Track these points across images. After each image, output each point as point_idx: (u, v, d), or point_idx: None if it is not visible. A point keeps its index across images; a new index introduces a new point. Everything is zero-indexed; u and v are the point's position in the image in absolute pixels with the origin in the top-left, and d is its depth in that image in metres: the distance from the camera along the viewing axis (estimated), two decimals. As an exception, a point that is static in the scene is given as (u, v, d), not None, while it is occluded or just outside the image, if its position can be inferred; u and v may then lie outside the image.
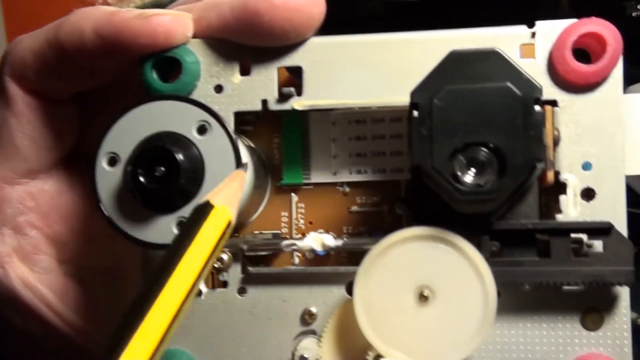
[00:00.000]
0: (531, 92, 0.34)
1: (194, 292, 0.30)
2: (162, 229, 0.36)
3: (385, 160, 0.45)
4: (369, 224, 0.45)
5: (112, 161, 0.37)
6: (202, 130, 0.37)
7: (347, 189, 0.45)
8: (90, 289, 0.48)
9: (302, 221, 0.46)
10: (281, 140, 0.46)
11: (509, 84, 0.35)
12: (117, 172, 0.37)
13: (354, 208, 0.45)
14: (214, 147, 0.37)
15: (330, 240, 0.40)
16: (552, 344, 0.39)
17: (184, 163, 0.35)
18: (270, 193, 0.46)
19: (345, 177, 0.45)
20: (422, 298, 0.37)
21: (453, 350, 0.36)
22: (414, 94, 0.36)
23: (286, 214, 0.46)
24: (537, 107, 0.34)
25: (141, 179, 0.35)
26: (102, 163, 0.37)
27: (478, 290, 0.36)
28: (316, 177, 0.45)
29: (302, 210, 0.46)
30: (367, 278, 0.37)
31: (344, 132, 0.45)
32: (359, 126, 0.45)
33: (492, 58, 0.35)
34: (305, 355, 0.38)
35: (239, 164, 0.36)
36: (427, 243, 0.37)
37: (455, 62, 0.35)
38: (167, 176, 0.35)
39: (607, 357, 0.38)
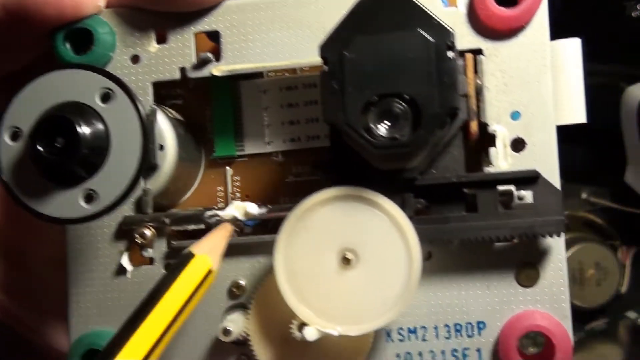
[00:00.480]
0: (443, 37, 0.33)
1: (169, 334, 0.32)
2: (68, 203, 0.35)
3: (318, 126, 0.43)
4: (306, 194, 0.43)
5: (15, 135, 0.35)
6: (105, 97, 0.35)
7: (282, 159, 0.43)
8: (38, 278, 0.47)
9: (238, 195, 0.44)
10: (212, 112, 0.44)
11: (420, 31, 0.33)
12: (19, 146, 0.35)
13: (290, 178, 0.44)
14: (119, 115, 0.35)
15: (253, 208, 0.38)
16: (488, 303, 0.37)
17: (85, 132, 0.34)
18: (204, 167, 0.45)
19: (279, 146, 0.43)
20: (345, 261, 0.35)
21: (378, 314, 0.35)
22: (322, 47, 0.34)
23: (222, 188, 0.45)
24: (451, 53, 0.33)
25: (40, 150, 0.33)
26: (5, 137, 0.35)
27: (402, 250, 0.35)
28: (250, 148, 0.44)
29: (238, 184, 0.44)
30: (288, 244, 0.36)
31: (275, 100, 0.44)
32: (290, 93, 0.44)
33: (402, 4, 0.33)
34: (229, 328, 0.37)
35: (144, 129, 0.34)
36: (347, 203, 0.35)
37: (364, 11, 0.34)
38: (68, 147, 0.34)
39: (543, 313, 0.36)
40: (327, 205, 0.36)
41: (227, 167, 0.44)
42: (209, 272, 0.34)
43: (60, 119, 0.34)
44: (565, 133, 0.70)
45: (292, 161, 0.43)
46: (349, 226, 0.35)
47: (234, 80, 0.43)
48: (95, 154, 0.34)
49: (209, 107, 0.44)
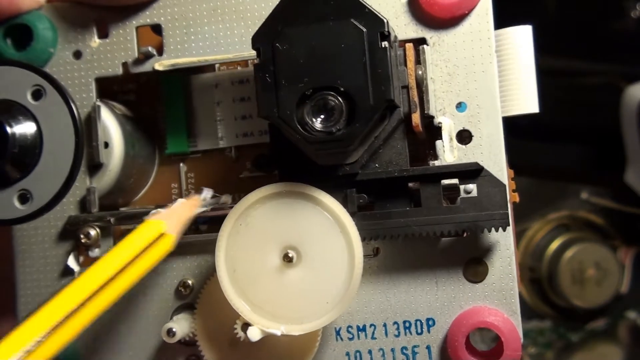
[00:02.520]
0: (376, 26, 0.32)
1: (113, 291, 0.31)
2: (2, 204, 0.34)
3: (270, 120, 0.42)
4: (261, 189, 0.43)
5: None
6: (37, 95, 0.34)
7: (236, 154, 0.43)
8: None
9: (193, 191, 0.43)
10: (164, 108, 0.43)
11: (352, 20, 0.32)
12: (-49, 148, 0.34)
13: (245, 173, 0.43)
14: (52, 112, 0.34)
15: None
16: (437, 299, 0.36)
17: (15, 131, 0.33)
18: (158, 164, 0.44)
19: (232, 141, 0.42)
20: (287, 259, 0.34)
21: (321, 313, 0.34)
22: (254, 39, 0.33)
23: (176, 185, 0.44)
24: (384, 43, 0.32)
25: (-32, 152, 0.33)
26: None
27: (343, 247, 0.34)
28: (203, 144, 0.43)
29: (192, 180, 0.43)
30: (229, 242, 0.35)
31: (227, 94, 0.43)
32: (242, 87, 0.43)
33: (335, -7, 0.32)
34: (174, 329, 0.36)
35: (77, 127, 0.33)
36: (288, 200, 0.34)
37: (295, 0, 0.32)
38: (-2, 146, 0.33)
39: (491, 309, 0.35)
40: (268, 202, 0.35)
41: (181, 164, 0.43)
42: (162, 235, 0.33)
43: (-12, 118, 0.33)
44: (566, 133, 0.69)
45: (245, 156, 0.42)
46: (291, 223, 0.34)
47: (185, 74, 0.42)
48: (27, 153, 0.34)
49: (161, 102, 0.43)
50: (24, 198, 0.34)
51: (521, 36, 0.37)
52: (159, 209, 0.38)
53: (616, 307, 0.71)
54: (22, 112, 0.34)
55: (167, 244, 0.34)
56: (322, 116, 0.32)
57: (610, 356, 0.70)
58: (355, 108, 0.32)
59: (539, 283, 0.72)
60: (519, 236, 0.71)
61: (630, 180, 0.67)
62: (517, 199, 0.40)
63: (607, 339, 0.70)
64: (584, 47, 0.65)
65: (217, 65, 0.42)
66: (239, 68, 0.42)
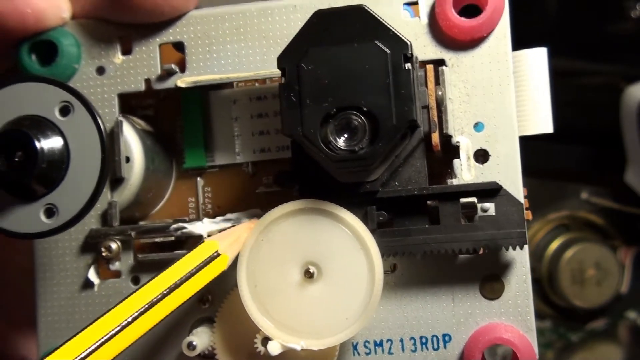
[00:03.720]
0: (400, 48, 0.33)
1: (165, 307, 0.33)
2: (29, 218, 0.35)
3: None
4: (277, 204, 0.43)
5: (-25, 151, 0.35)
6: (65, 111, 0.35)
7: (253, 169, 0.43)
8: (11, 289, 0.47)
9: (209, 206, 0.44)
10: (182, 123, 0.44)
11: (376, 42, 0.33)
12: (-20, 162, 0.35)
13: (261, 189, 0.43)
14: (79, 128, 0.35)
15: (211, 225, 0.38)
16: (453, 316, 0.37)
17: (43, 146, 0.34)
18: (175, 179, 0.44)
19: (249, 156, 0.43)
20: (308, 275, 0.35)
21: (341, 328, 0.35)
22: (280, 59, 0.34)
23: (193, 199, 0.44)
24: (407, 65, 0.32)
25: (-2, 165, 0.33)
26: (-35, 153, 0.35)
27: (364, 263, 0.34)
28: (220, 159, 0.43)
29: (209, 194, 0.44)
30: (251, 257, 0.36)
31: (245, 110, 0.43)
32: (260, 103, 0.43)
33: (359, 16, 0.33)
34: (194, 343, 0.37)
35: (103, 143, 0.34)
36: (310, 216, 0.35)
37: (321, 22, 0.33)
38: (26, 161, 0.34)
39: (507, 326, 0.36)
40: (290, 219, 0.35)
41: (198, 178, 0.44)
42: (216, 255, 0.35)
43: (18, 134, 0.34)
44: (566, 133, 0.70)
45: (262, 172, 0.43)
46: (312, 239, 0.35)
47: (204, 90, 0.43)
48: (54, 168, 0.34)
49: (180, 117, 0.44)
50: (50, 212, 0.35)
51: (537, 58, 0.38)
52: (180, 224, 0.39)
53: (616, 307, 0.71)
54: (50, 128, 0.34)
55: (220, 264, 0.35)
56: (346, 135, 0.33)
57: (610, 356, 0.70)
58: (378, 128, 0.33)
59: (539, 283, 0.72)
60: None
61: (630, 180, 0.68)
62: (530, 217, 0.41)
63: (607, 339, 0.71)
64: (584, 47, 0.65)
65: (235, 82, 0.43)
66: (256, 85, 0.43)
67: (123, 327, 0.31)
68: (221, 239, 0.35)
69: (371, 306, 0.34)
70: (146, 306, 0.32)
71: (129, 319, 0.31)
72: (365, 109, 0.33)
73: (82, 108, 0.35)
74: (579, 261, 0.69)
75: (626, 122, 0.66)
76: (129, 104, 0.44)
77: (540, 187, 0.71)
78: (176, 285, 0.33)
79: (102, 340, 0.30)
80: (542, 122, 0.38)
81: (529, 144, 0.67)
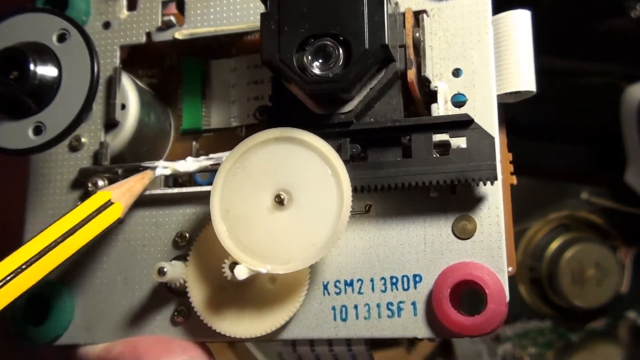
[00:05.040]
0: (374, -23, 0.34)
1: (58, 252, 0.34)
2: (18, 134, 0.37)
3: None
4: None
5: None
6: (61, 38, 0.37)
7: (246, 133, 0.44)
8: None
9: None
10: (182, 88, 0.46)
11: (352, -28, 0.34)
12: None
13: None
14: (73, 54, 0.37)
15: (184, 166, 0.39)
16: (424, 256, 0.36)
17: (37, 65, 0.36)
18: (172, 141, 0.46)
19: (244, 120, 0.44)
20: (278, 200, 0.35)
21: (307, 254, 0.34)
22: (263, -10, 0.36)
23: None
24: (380, -8, 0.34)
25: (-8, 82, 0.35)
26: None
27: (333, 190, 0.35)
28: (216, 123, 0.45)
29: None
30: (225, 184, 0.36)
31: (242, 78, 0.45)
32: (257, 70, 0.45)
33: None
34: (165, 269, 0.37)
35: (94, 66, 0.36)
36: (284, 145, 0.36)
37: (302, -44, 0.35)
38: (20, 78, 0.36)
39: (477, 264, 0.35)
40: (264, 147, 0.36)
41: (194, 142, 0.45)
42: (109, 203, 0.36)
43: (14, 52, 0.36)
44: (566, 133, 0.69)
45: (255, 135, 0.44)
46: (285, 167, 0.36)
47: (206, 59, 0.45)
48: (45, 87, 0.36)
49: (181, 84, 0.46)
50: (38, 130, 0.37)
51: (519, 18, 0.39)
52: (161, 162, 0.40)
53: (616, 307, 0.69)
54: (46, 51, 0.37)
55: (114, 212, 0.36)
56: (320, 61, 0.34)
57: (610, 356, 0.67)
58: (351, 53, 0.34)
59: (539, 283, 0.70)
60: (519, 236, 0.70)
61: (630, 180, 0.66)
62: (515, 182, 0.41)
63: (607, 339, 0.68)
64: (584, 47, 0.66)
65: (234, 51, 0.45)
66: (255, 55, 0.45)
67: (16, 274, 0.32)
68: (114, 188, 0.37)
69: (337, 231, 0.34)
70: (38, 254, 0.33)
71: (23, 266, 0.33)
72: (340, 36, 0.34)
73: (78, 36, 0.37)
74: (579, 261, 0.67)
75: (626, 122, 0.65)
76: (136, 73, 0.46)
77: (540, 187, 0.71)
78: (69, 233, 0.34)
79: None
80: (525, 80, 0.38)
81: (529, 144, 0.67)
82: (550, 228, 0.71)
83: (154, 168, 0.39)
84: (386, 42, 0.34)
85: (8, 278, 0.32)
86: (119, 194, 0.37)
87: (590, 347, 0.68)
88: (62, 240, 0.34)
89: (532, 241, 0.71)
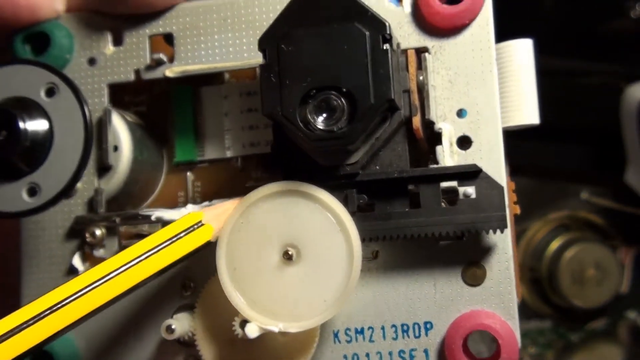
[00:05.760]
0: (378, 29, 0.33)
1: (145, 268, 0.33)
2: (11, 197, 0.35)
3: (277, 130, 0.43)
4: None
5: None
6: (50, 92, 0.36)
7: (242, 164, 0.43)
8: None
9: (199, 200, 0.44)
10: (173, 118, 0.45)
11: (355, 24, 0.33)
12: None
13: (250, 183, 0.43)
14: (64, 109, 0.35)
15: (195, 209, 0.38)
16: (435, 303, 0.36)
17: (27, 125, 0.34)
18: (165, 173, 0.45)
19: (239, 151, 0.43)
20: (287, 257, 0.35)
21: (319, 311, 0.34)
22: (261, 40, 0.34)
23: (182, 193, 0.45)
24: (386, 45, 0.33)
25: (-20, 145, 0.34)
26: (-49, 132, 0.36)
27: (342, 246, 0.34)
28: (210, 154, 0.44)
29: (199, 189, 0.44)
30: (230, 240, 0.36)
31: (235, 106, 0.44)
32: (250, 98, 0.44)
33: (339, -1, 0.34)
34: (173, 326, 0.36)
35: (86, 123, 0.35)
36: (289, 198, 0.35)
37: (302, 4, 0.34)
38: (10, 140, 0.34)
39: (488, 312, 0.35)
40: (269, 201, 0.35)
41: (188, 173, 0.44)
42: (200, 224, 0.35)
43: (2, 113, 0.34)
44: (566, 133, 0.70)
45: (251, 166, 0.43)
46: (291, 221, 0.35)
47: (196, 86, 0.44)
48: (37, 147, 0.35)
49: (172, 113, 0.45)
50: (33, 191, 0.35)
51: (522, 49, 0.38)
52: (161, 211, 0.39)
53: (616, 307, 0.70)
54: (35, 108, 0.35)
55: (204, 234, 0.35)
56: (324, 115, 0.33)
57: (610, 356, 0.69)
58: (356, 107, 0.33)
59: (539, 283, 0.71)
60: (519, 236, 0.71)
61: (630, 180, 0.67)
62: (519, 212, 0.41)
63: (607, 339, 0.70)
64: (584, 47, 0.65)
65: (226, 77, 0.44)
66: (247, 81, 0.43)
67: (99, 284, 0.31)
68: (207, 210, 0.36)
69: (349, 288, 0.34)
70: (124, 267, 0.32)
71: (106, 278, 0.31)
72: (343, 89, 0.33)
73: (68, 90, 0.36)
74: (579, 261, 0.68)
75: (626, 122, 0.66)
76: (122, 100, 0.45)
77: (540, 187, 0.71)
78: (154, 251, 0.33)
79: (78, 294, 0.30)
80: (529, 113, 0.38)
81: (529, 144, 0.67)
82: (550, 228, 0.71)
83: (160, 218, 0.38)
84: (392, 96, 0.33)
85: (92, 287, 0.32)
86: (212, 216, 0.36)
87: (590, 347, 0.69)
88: (149, 256, 0.33)
89: (532, 241, 0.71)
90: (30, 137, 0.35)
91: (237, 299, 0.35)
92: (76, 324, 0.31)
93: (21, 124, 0.34)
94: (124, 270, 0.32)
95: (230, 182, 0.44)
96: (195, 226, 0.35)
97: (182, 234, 0.34)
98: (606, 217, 0.72)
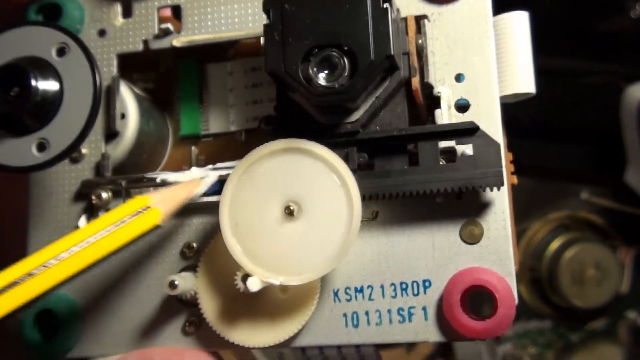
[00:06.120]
0: (378, -11, 0.34)
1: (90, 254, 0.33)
2: (21, 152, 0.36)
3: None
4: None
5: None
6: (61, 52, 0.37)
7: (245, 137, 0.44)
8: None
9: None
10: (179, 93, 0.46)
11: (356, -17, 0.34)
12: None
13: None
14: (74, 68, 0.36)
15: (199, 173, 0.39)
16: (433, 261, 0.37)
17: (38, 81, 0.35)
18: (171, 147, 0.46)
19: (243, 124, 0.44)
20: (288, 212, 0.35)
21: (319, 265, 0.35)
22: (265, 1, 0.35)
23: (187, 167, 0.45)
24: (385, 4, 0.34)
25: (-7, 99, 0.35)
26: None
27: (343, 201, 0.35)
28: (214, 128, 0.45)
29: (203, 163, 0.45)
30: (233, 196, 0.36)
31: (240, 81, 0.45)
32: (255, 74, 0.45)
33: (341, -40, 0.35)
34: (176, 282, 0.37)
35: (95, 80, 0.36)
36: (292, 155, 0.36)
37: (304, -33, 0.35)
38: (21, 95, 0.35)
39: (485, 269, 0.36)
40: (272, 158, 0.36)
41: (193, 147, 0.45)
42: (148, 209, 0.35)
43: (14, 69, 0.35)
44: (566, 133, 0.70)
45: (255, 140, 0.44)
46: (293, 178, 0.36)
47: (202, 63, 0.45)
48: (47, 103, 0.36)
49: (178, 90, 0.46)
50: (42, 146, 0.36)
51: (518, 20, 0.39)
52: (167, 174, 0.40)
53: (616, 307, 0.70)
54: (46, 66, 0.36)
55: (151, 217, 0.35)
56: (326, 72, 0.34)
57: (610, 356, 0.69)
58: (357, 64, 0.34)
59: (539, 283, 0.71)
60: (519, 236, 0.71)
61: (630, 180, 0.67)
62: (516, 181, 0.41)
63: (607, 339, 0.70)
64: (584, 47, 0.66)
65: (231, 53, 0.45)
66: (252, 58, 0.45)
67: (46, 267, 0.32)
68: (154, 194, 0.36)
69: (349, 242, 0.35)
70: (68, 252, 0.32)
71: (52, 261, 0.32)
72: (345, 46, 0.34)
73: (78, 49, 0.37)
74: (579, 261, 0.68)
75: (626, 122, 0.66)
76: (131, 77, 0.46)
77: (540, 187, 0.71)
78: (103, 234, 0.33)
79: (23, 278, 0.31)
80: (525, 82, 0.39)
81: (529, 144, 0.68)
82: (550, 228, 0.71)
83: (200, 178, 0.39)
84: (392, 52, 0.34)
85: (36, 272, 0.32)
86: (159, 200, 0.36)
87: (590, 347, 0.69)
88: (93, 241, 0.34)
89: (532, 241, 0.71)
90: (41, 93, 0.36)
91: (239, 254, 0.36)
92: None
93: (32, 81, 0.35)
94: (73, 253, 0.33)
95: (233, 155, 0.44)
96: (142, 210, 0.35)
97: (127, 218, 0.35)
98: (606, 217, 0.72)
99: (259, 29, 0.41)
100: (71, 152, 0.36)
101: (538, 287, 0.72)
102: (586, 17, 0.67)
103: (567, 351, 0.70)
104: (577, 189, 0.72)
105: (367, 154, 0.36)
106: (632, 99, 0.65)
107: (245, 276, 0.36)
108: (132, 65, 0.45)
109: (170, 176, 0.40)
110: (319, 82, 0.34)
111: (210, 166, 0.40)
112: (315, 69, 0.34)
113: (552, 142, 0.72)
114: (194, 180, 0.39)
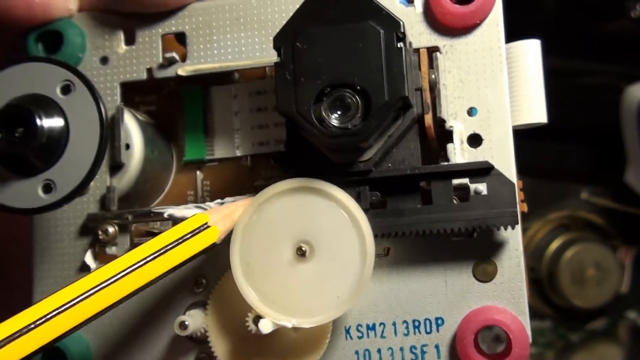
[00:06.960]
0: (393, 28, 0.33)
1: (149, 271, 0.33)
2: (27, 193, 0.35)
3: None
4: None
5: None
6: (66, 90, 0.36)
7: (251, 162, 0.44)
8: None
9: (208, 199, 0.44)
10: (183, 117, 0.45)
11: (370, 22, 0.33)
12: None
13: (260, 182, 0.44)
14: (79, 106, 0.36)
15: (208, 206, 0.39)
16: (446, 299, 0.37)
17: (43, 122, 0.35)
18: (175, 172, 0.45)
19: (248, 150, 0.44)
20: (300, 253, 0.35)
21: (332, 306, 0.35)
22: (276, 39, 0.35)
23: (192, 192, 0.45)
24: (400, 44, 0.33)
25: (-2, 141, 0.34)
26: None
27: (355, 242, 0.35)
28: (220, 153, 0.44)
29: (208, 188, 0.45)
30: (244, 236, 0.36)
31: (245, 105, 0.44)
32: (260, 97, 0.44)
33: (353, -2, 0.34)
34: (187, 322, 0.37)
35: (102, 120, 0.35)
36: (303, 195, 0.35)
37: (316, 3, 0.34)
38: (26, 136, 0.34)
39: (500, 308, 0.35)
40: (283, 197, 0.36)
41: (198, 172, 0.45)
42: (206, 226, 0.35)
43: (19, 109, 0.34)
44: (566, 133, 0.70)
45: (260, 165, 0.44)
46: (305, 218, 0.35)
47: (206, 86, 0.44)
48: (53, 144, 0.35)
49: (182, 113, 0.45)
50: (48, 188, 0.35)
51: (530, 49, 0.39)
52: (173, 209, 0.39)
53: (616, 307, 0.71)
54: (51, 105, 0.35)
55: (210, 235, 0.35)
56: (339, 112, 0.34)
57: (610, 356, 0.70)
58: (370, 105, 0.33)
59: (539, 283, 0.71)
60: None
61: (630, 180, 0.67)
62: (526, 209, 0.41)
63: (607, 339, 0.70)
64: (584, 47, 0.66)
65: (236, 77, 0.44)
66: (257, 80, 0.44)
67: (104, 287, 0.31)
68: (213, 212, 0.36)
69: (362, 284, 0.34)
70: (129, 269, 0.32)
71: (112, 279, 0.31)
72: (358, 86, 0.34)
73: (83, 87, 0.36)
74: (579, 261, 0.69)
75: (626, 122, 0.66)
76: (133, 100, 0.45)
77: (540, 187, 0.71)
78: (161, 252, 0.33)
79: (88, 294, 0.30)
80: (537, 112, 0.39)
81: (529, 144, 0.68)
82: (550, 228, 0.72)
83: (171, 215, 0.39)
84: (406, 93, 0.33)
85: (97, 289, 0.31)
86: (218, 218, 0.35)
87: (590, 347, 0.70)
88: (154, 258, 0.33)
89: (532, 241, 0.71)
90: (47, 133, 0.35)
91: (250, 295, 0.35)
92: (86, 323, 0.31)
93: (37, 121, 0.34)
94: (131, 271, 0.32)
95: (239, 180, 0.44)
96: (202, 228, 0.35)
97: (188, 236, 0.34)
98: (606, 217, 0.72)
99: (266, 59, 0.40)
100: (78, 194, 0.35)
101: (538, 287, 0.73)
102: (587, 17, 0.66)
103: (567, 351, 0.71)
104: (577, 189, 0.72)
105: (380, 192, 0.36)
106: (632, 99, 0.65)
107: (257, 318, 0.35)
108: (133, 89, 0.44)
109: (177, 211, 0.39)
110: (332, 122, 0.34)
111: (217, 201, 0.39)
112: (327, 110, 0.34)
113: (552, 142, 0.72)
114: (249, 198, 0.38)
